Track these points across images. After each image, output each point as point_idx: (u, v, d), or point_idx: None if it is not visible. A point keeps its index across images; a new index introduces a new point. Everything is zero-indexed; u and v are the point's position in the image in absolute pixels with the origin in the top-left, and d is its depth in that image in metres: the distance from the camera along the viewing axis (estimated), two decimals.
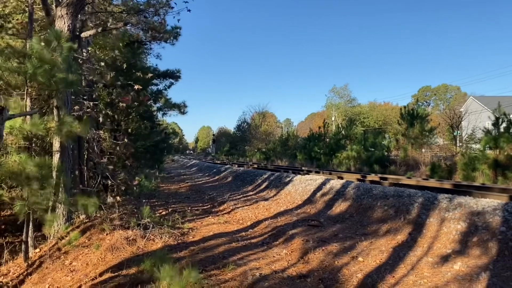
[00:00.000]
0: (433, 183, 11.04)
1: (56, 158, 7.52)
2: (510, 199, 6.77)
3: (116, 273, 5.22)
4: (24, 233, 7.05)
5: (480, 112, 33.65)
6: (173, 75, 18.44)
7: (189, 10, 9.94)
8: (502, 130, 14.09)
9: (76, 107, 8.25)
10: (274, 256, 5.99)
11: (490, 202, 6.07)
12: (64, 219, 7.34)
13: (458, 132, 25.49)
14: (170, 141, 27.41)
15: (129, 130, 10.75)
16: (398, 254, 5.47)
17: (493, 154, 13.86)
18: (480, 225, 5.51)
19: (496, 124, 14.33)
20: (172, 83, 19.30)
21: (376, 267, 5.02)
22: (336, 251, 5.86)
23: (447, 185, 10.28)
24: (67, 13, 7.82)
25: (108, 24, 9.56)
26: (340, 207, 8.92)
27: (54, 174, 6.39)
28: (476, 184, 10.87)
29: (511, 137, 13.47)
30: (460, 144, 23.89)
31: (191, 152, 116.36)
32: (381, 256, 5.45)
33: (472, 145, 19.89)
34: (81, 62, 8.36)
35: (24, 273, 6.26)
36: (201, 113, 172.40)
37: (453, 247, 5.38)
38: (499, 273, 4.33)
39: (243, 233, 7.67)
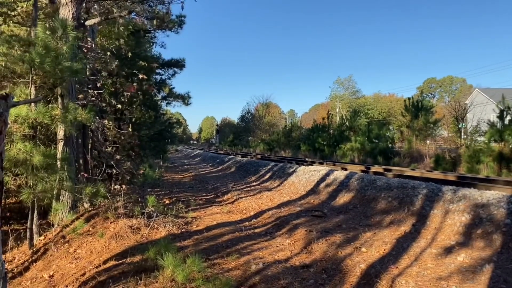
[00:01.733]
0: (437, 175, 11.02)
1: (60, 146, 7.55)
2: None
3: (120, 261, 5.25)
4: (29, 220, 7.10)
5: (485, 105, 33.40)
6: (177, 64, 18.43)
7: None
8: (507, 122, 14.00)
9: (81, 96, 8.25)
10: (277, 246, 6.02)
11: (495, 195, 6.05)
12: (68, 207, 7.38)
13: (463, 124, 25.34)
14: (174, 131, 27.48)
15: (133, 119, 10.75)
16: (402, 245, 5.47)
17: (497, 147, 13.79)
18: (485, 217, 5.49)
19: (501, 116, 14.23)
20: (176, 72, 19.33)
21: (379, 258, 5.02)
22: (340, 241, 5.87)
23: (451, 177, 10.25)
24: (71, 1, 7.78)
25: (114, 12, 9.51)
26: (344, 198, 8.92)
27: (58, 162, 6.42)
28: (481, 177, 10.83)
29: None
30: (465, 136, 23.75)
31: (195, 142, 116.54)
32: (384, 247, 5.45)
33: (477, 138, 19.76)
34: (85, 50, 8.33)
35: (29, 260, 6.32)
36: (205, 103, 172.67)
37: (457, 239, 5.37)
38: (503, 265, 4.33)
39: (247, 223, 7.69)
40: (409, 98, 22.46)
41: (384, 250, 5.35)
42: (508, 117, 14.00)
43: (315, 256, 5.41)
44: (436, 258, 4.87)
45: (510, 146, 13.36)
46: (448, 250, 5.05)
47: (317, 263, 5.09)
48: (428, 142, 21.40)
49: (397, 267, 4.63)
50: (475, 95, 46.39)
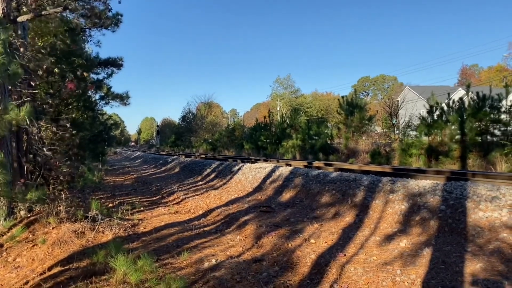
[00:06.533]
0: (374, 167, 11.57)
1: None
2: (447, 180, 7.28)
3: (66, 267, 5.04)
4: None
5: (416, 101, 35.59)
6: (115, 63, 17.78)
7: None
8: (435, 117, 15.01)
9: (15, 97, 7.77)
10: (228, 243, 6.06)
11: (430, 183, 6.49)
12: (5, 214, 6.93)
13: (396, 120, 26.80)
14: (111, 133, 26.47)
15: (72, 119, 10.28)
16: (348, 235, 5.73)
17: (428, 140, 14.77)
18: (422, 205, 5.90)
19: (430, 112, 15.24)
20: (113, 72, 18.64)
21: (328, 248, 5.23)
22: (289, 234, 6.02)
23: (388, 169, 10.82)
24: None
25: (47, 8, 9.02)
26: (290, 193, 9.13)
27: None
28: (414, 168, 11.55)
29: (443, 124, 14.41)
30: (398, 131, 25.15)
31: (133, 144, 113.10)
32: (331, 237, 5.67)
33: (410, 132, 21.03)
34: (19, 48, 7.86)
35: None
36: (144, 104, 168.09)
37: (398, 227, 5.72)
38: (440, 248, 4.68)
39: (196, 222, 7.65)
40: (343, 97, 23.29)
41: (332, 240, 5.57)
42: (437, 112, 15.04)
43: (266, 249, 5.52)
44: (380, 245, 5.15)
45: (439, 138, 14.37)
46: (391, 237, 5.37)
47: (269, 256, 5.19)
48: (364, 138, 22.39)
49: (345, 255, 4.85)
50: (406, 92, 49.25)
